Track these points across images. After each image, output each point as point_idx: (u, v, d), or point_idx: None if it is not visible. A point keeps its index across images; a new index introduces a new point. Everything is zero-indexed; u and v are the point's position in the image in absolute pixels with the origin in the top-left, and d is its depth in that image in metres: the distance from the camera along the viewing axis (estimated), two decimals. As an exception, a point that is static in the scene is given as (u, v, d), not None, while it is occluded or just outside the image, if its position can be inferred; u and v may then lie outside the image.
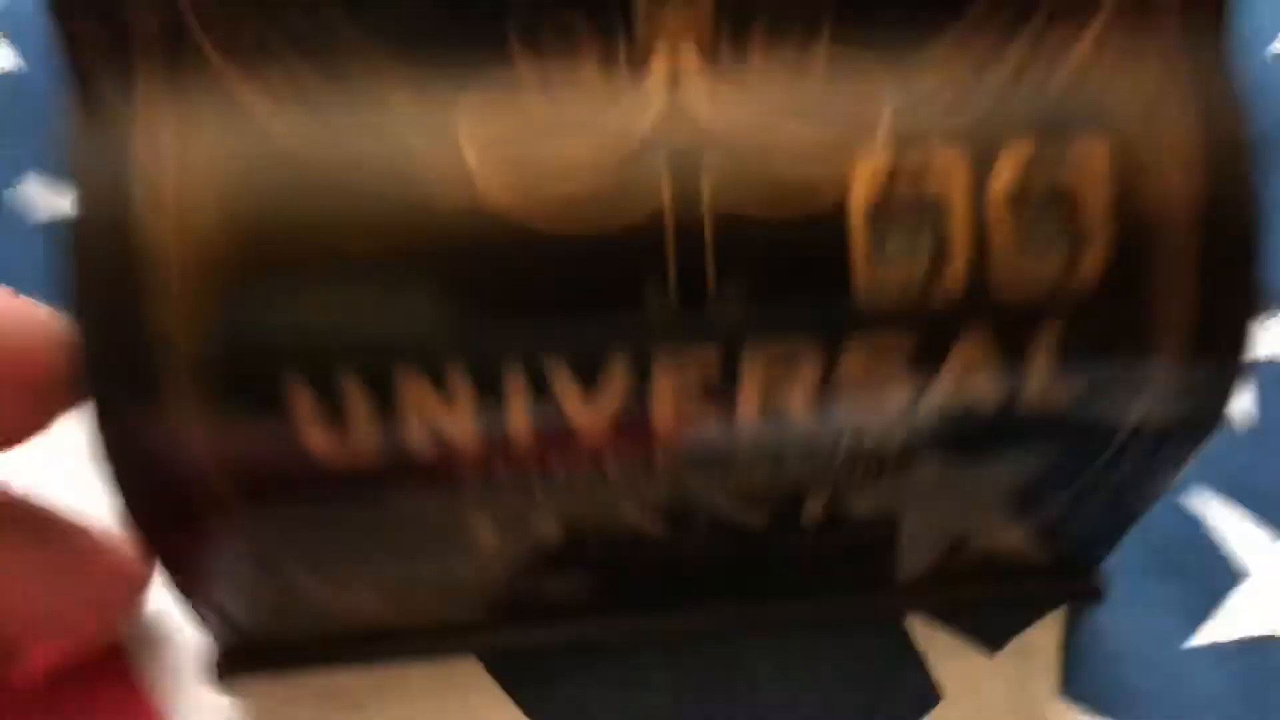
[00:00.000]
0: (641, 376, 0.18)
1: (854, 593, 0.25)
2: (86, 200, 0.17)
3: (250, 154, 0.17)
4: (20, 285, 0.24)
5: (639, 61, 0.17)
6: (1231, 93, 0.18)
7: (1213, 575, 0.26)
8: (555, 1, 0.17)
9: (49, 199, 0.30)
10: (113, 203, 0.17)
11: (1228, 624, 0.25)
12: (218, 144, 0.17)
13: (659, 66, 0.17)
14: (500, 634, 0.24)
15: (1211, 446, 0.27)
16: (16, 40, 0.32)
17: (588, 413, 0.18)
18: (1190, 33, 0.18)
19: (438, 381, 0.18)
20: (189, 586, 0.21)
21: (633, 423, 0.18)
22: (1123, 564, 0.26)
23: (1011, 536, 0.23)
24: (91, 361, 0.17)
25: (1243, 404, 0.28)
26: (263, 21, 0.17)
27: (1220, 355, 0.19)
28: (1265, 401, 0.28)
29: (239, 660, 0.24)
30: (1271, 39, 0.33)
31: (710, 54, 0.17)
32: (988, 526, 0.23)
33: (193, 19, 0.17)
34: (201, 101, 0.17)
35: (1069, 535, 0.23)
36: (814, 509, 0.21)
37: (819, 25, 0.18)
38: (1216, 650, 0.25)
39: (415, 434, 0.18)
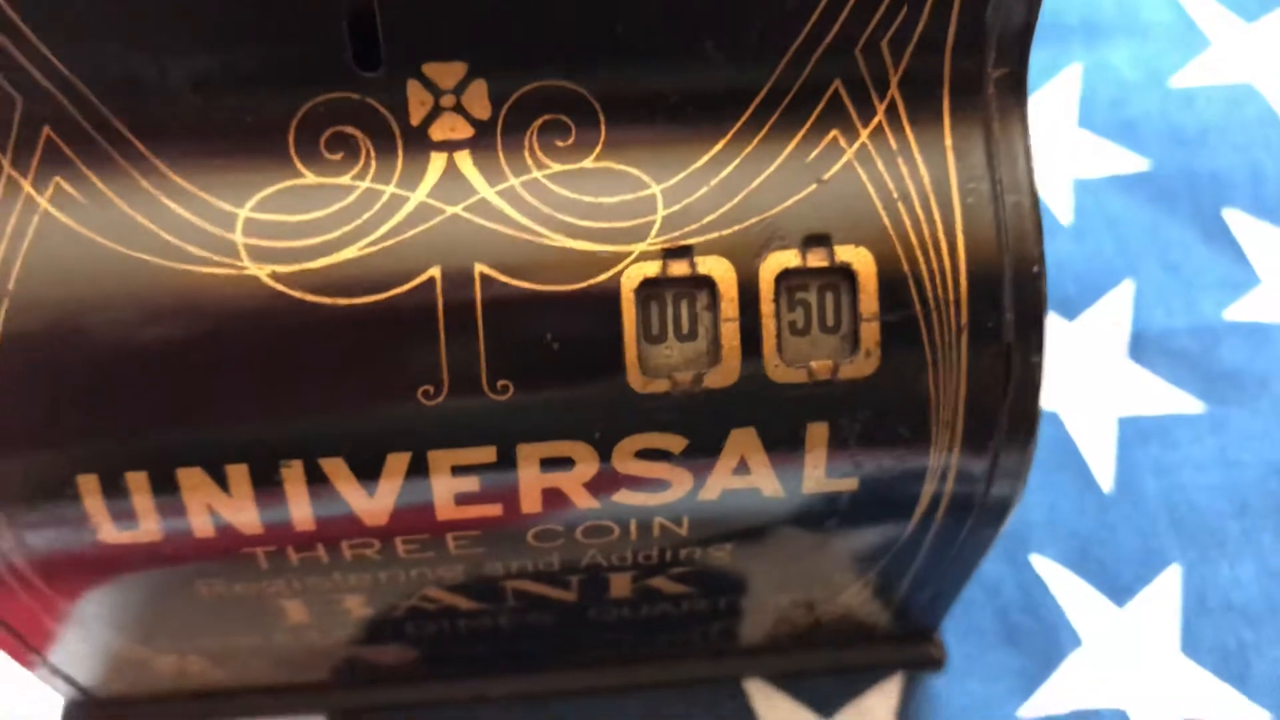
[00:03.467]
0: (419, 470, 0.18)
1: (691, 657, 0.25)
2: None
3: (31, 246, 0.17)
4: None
5: (415, 161, 0.18)
6: (1004, 200, 0.18)
7: (1050, 643, 0.26)
8: (329, 112, 0.18)
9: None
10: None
11: (1059, 693, 0.26)
12: (4, 240, 0.17)
13: (436, 161, 0.18)
14: (342, 695, 0.25)
15: (1060, 513, 0.28)
16: None
17: (367, 505, 0.19)
18: (962, 130, 0.18)
19: (216, 475, 0.18)
20: (20, 657, 0.22)
21: (414, 513, 0.19)
22: (965, 628, 0.26)
23: (843, 606, 0.24)
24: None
25: (1100, 466, 0.28)
26: (45, 131, 0.17)
27: (994, 449, 0.19)
28: (1120, 467, 0.28)
29: (87, 714, 0.25)
30: (1173, 72, 0.33)
31: (485, 154, 0.18)
32: (814, 596, 0.24)
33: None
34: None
35: (898, 603, 0.24)
36: (620, 585, 0.22)
37: (595, 128, 0.18)
38: None
39: (198, 523, 0.18)
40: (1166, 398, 0.29)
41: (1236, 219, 0.31)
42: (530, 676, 0.25)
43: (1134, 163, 0.32)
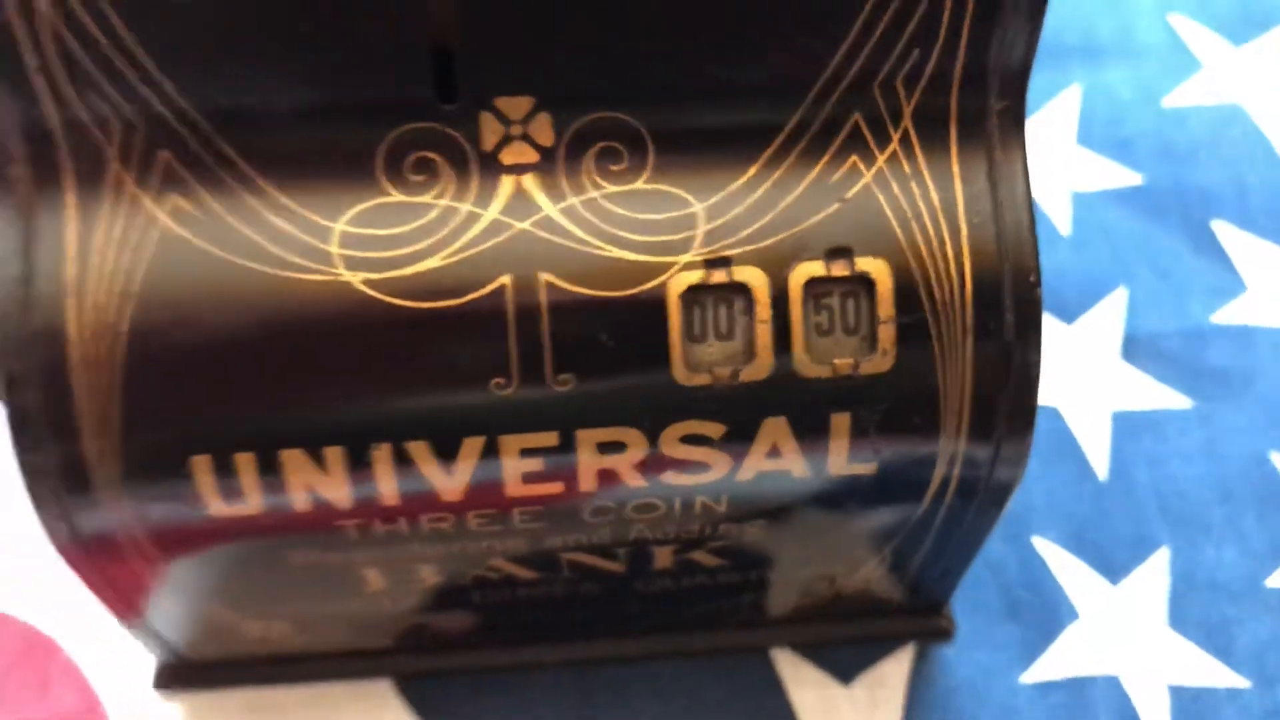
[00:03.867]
0: (491, 452, 0.21)
1: (723, 628, 0.28)
2: (1, 294, 0.20)
3: (154, 256, 0.20)
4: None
5: (487, 183, 0.20)
6: (1004, 217, 0.21)
7: (1049, 616, 0.29)
8: (413, 139, 0.20)
9: None
10: (29, 295, 0.20)
11: (1057, 662, 0.28)
12: (127, 249, 0.20)
13: (505, 183, 0.21)
14: (405, 660, 0.28)
15: (1059, 499, 0.30)
16: None
17: (446, 482, 0.21)
18: (968, 157, 0.21)
19: (315, 456, 0.21)
20: (125, 617, 0.25)
21: (486, 490, 0.21)
22: (971, 603, 0.29)
23: (861, 580, 0.26)
24: (22, 446, 0.20)
25: (1096, 456, 0.31)
26: (163, 155, 0.20)
27: (997, 437, 0.22)
28: (1114, 457, 0.30)
29: (176, 675, 0.27)
30: (1165, 93, 0.36)
31: (549, 177, 0.20)
32: (834, 571, 0.26)
33: (111, 150, 0.20)
34: (115, 216, 0.20)
35: (911, 578, 0.26)
36: (663, 557, 0.24)
37: (644, 154, 0.21)
38: (1047, 685, 0.28)
39: (298, 499, 0.21)
40: (1157, 395, 0.32)
41: (1223, 230, 0.34)
42: (578, 644, 0.28)
43: (1128, 177, 0.35)
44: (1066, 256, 0.33)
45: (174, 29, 0.19)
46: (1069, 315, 0.32)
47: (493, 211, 0.21)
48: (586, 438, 0.21)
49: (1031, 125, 0.35)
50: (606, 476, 0.22)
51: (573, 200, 0.21)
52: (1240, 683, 0.28)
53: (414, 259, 0.20)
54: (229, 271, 0.20)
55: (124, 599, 0.24)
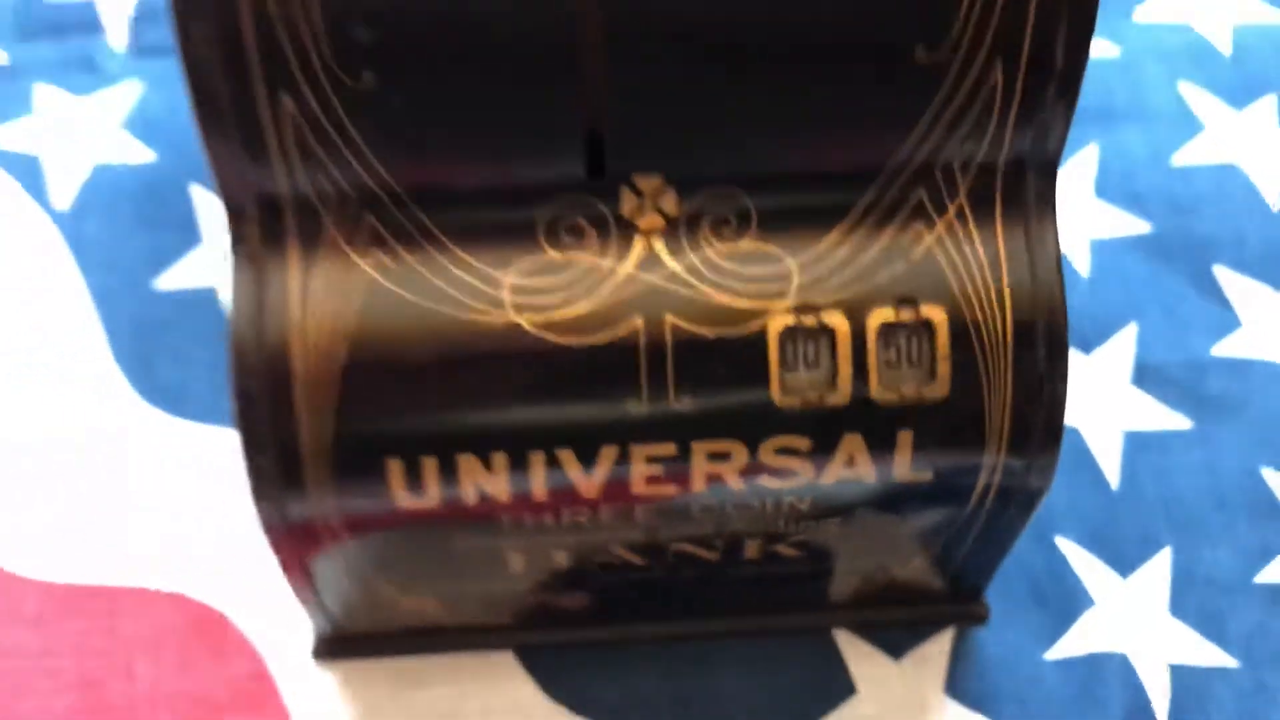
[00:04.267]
0: (623, 459, 0.26)
1: (794, 610, 0.33)
2: (239, 330, 0.25)
3: (363, 301, 0.25)
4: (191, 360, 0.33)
5: (624, 244, 0.26)
6: (1039, 274, 0.26)
7: (1069, 603, 0.34)
8: (567, 208, 0.25)
9: (195, 278, 0.38)
10: (260, 331, 0.25)
11: (1075, 642, 0.33)
12: (339, 295, 0.25)
13: (639, 244, 0.26)
14: (526, 634, 0.33)
15: (1078, 504, 0.35)
16: (148, 139, 0.41)
17: (586, 481, 0.26)
18: (1010, 225, 0.26)
19: (484, 461, 0.26)
20: (302, 592, 0.30)
21: (617, 489, 0.27)
22: (1003, 592, 0.34)
23: (912, 570, 0.31)
24: (250, 449, 0.25)
25: (1109, 468, 0.36)
26: (369, 219, 0.25)
27: (1031, 452, 0.27)
28: (1124, 470, 0.35)
29: (332, 646, 0.33)
30: (1173, 151, 0.41)
31: (673, 239, 0.26)
32: (890, 562, 0.31)
33: (328, 216, 0.25)
34: (330, 268, 0.25)
35: (954, 569, 0.31)
36: (752, 548, 0.29)
37: (748, 221, 0.26)
38: (1066, 661, 0.33)
39: (468, 495, 0.26)
40: (1163, 417, 0.36)
41: (1223, 274, 0.39)
42: (673, 622, 0.33)
43: (1140, 226, 0.40)
44: (1085, 296, 0.38)
45: (386, 123, 0.24)
46: (1087, 347, 0.37)
47: (628, 266, 0.26)
48: (700, 448, 0.26)
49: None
50: (714, 480, 0.27)
51: (692, 258, 0.26)
52: (1230, 663, 0.33)
53: (567, 304, 0.25)
54: (422, 314, 0.25)
55: (306, 576, 0.29)
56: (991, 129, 0.25)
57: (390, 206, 0.25)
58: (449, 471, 0.26)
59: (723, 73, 0.24)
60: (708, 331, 0.26)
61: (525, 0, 0.23)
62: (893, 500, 0.28)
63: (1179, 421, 0.36)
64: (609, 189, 0.25)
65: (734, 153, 0.25)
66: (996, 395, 0.26)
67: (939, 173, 0.25)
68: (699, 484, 0.27)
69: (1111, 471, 0.36)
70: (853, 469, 0.27)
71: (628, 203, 0.25)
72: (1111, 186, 0.40)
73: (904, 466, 0.27)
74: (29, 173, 0.40)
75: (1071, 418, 0.36)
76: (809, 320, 0.26)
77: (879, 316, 0.26)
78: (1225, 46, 0.43)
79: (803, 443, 0.26)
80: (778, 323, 0.26)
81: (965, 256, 0.26)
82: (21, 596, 0.34)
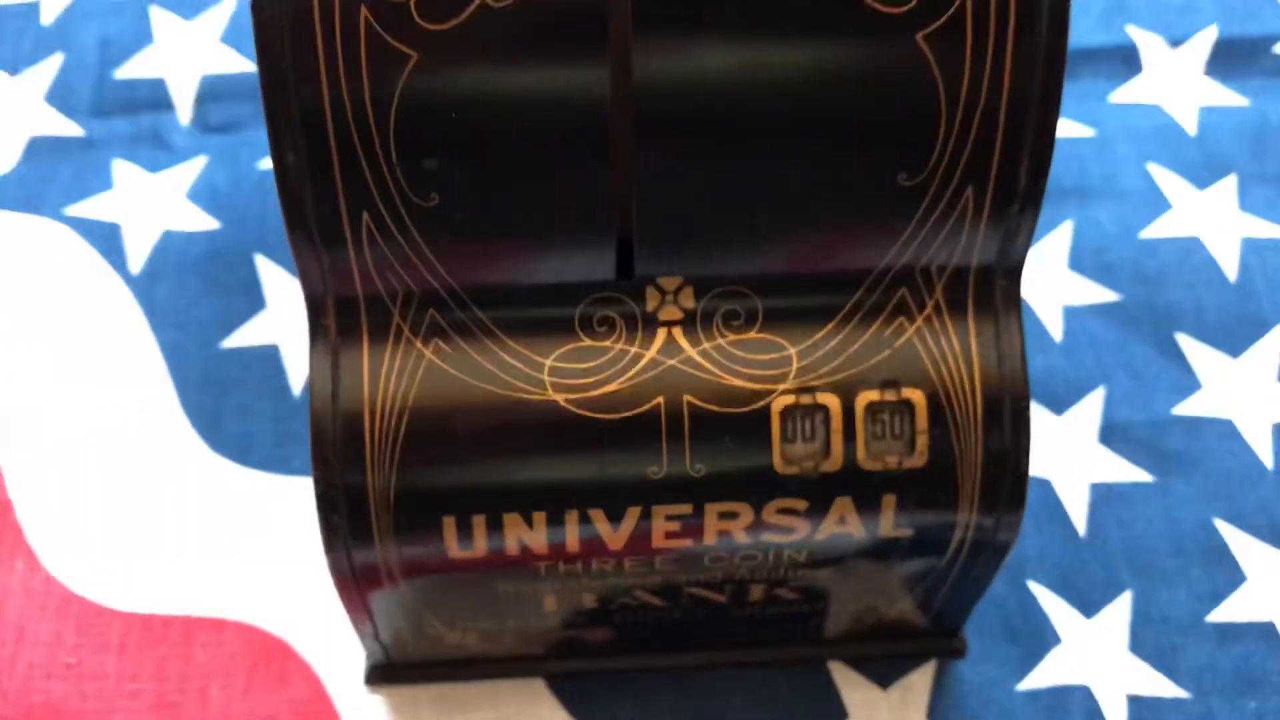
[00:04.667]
0: (645, 517, 0.30)
1: (794, 644, 0.37)
2: (318, 405, 0.29)
3: (423, 382, 0.29)
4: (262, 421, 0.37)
5: (649, 333, 0.30)
6: (1005, 360, 0.30)
7: (1039, 641, 0.38)
8: (600, 304, 0.29)
9: (259, 337, 0.42)
10: (336, 407, 0.29)
11: (1045, 675, 0.37)
12: (404, 376, 0.29)
13: (661, 334, 0.30)
14: (556, 664, 0.37)
15: (1048, 551, 0.39)
16: (211, 209, 0.45)
17: (613, 536, 0.30)
18: (980, 319, 0.30)
19: (526, 518, 0.30)
20: (360, 626, 0.34)
21: (639, 542, 0.31)
22: (980, 629, 0.38)
23: (898, 610, 0.35)
24: (324, 507, 0.30)
25: (1077, 518, 0.40)
26: (430, 313, 0.29)
27: (999, 511, 0.31)
28: (1090, 519, 0.40)
29: (382, 673, 0.37)
30: (1142, 227, 0.45)
31: (690, 330, 0.30)
32: (878, 604, 0.35)
33: (395, 310, 0.29)
34: (395, 353, 0.29)
35: (935, 610, 0.35)
36: (756, 592, 0.33)
37: (755, 315, 0.30)
38: (1035, 692, 0.37)
39: (511, 546, 0.30)
40: (1126, 471, 0.40)
41: (1185, 340, 0.43)
42: (684, 654, 0.37)
43: (1109, 296, 0.44)
44: (1058, 360, 0.42)
45: (448, 235, 0.28)
46: (1059, 408, 0.41)
47: (651, 352, 0.30)
48: (711, 509, 0.30)
49: (1035, 250, 0.44)
50: (723, 535, 0.31)
51: (706, 345, 0.30)
52: (1183, 694, 0.37)
53: (599, 385, 0.30)
54: (473, 392, 0.29)
55: (365, 613, 0.33)
56: (964, 240, 0.29)
57: (449, 303, 0.29)
58: (495, 527, 0.30)
59: (734, 194, 0.28)
60: (719, 409, 0.30)
61: (564, 139, 0.27)
62: (879, 552, 0.32)
63: (1141, 475, 0.40)
64: (636, 288, 0.29)
65: (743, 258, 0.29)
66: (968, 464, 0.30)
67: (919, 276, 0.29)
68: (710, 538, 0.31)
69: (1079, 521, 0.40)
70: (844, 526, 0.31)
71: (651, 299, 0.30)
72: (1085, 259, 0.44)
73: (888, 524, 0.31)
74: (107, 240, 0.44)
75: (1043, 471, 0.40)
76: (806, 400, 0.30)
77: (866, 397, 0.30)
78: (1191, 127, 0.47)
79: (800, 504, 0.30)
80: (779, 402, 0.30)
81: (941, 346, 0.30)
82: (107, 626, 0.38)
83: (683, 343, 0.30)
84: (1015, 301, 0.30)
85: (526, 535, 0.30)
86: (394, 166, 0.27)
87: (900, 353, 0.30)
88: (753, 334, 0.30)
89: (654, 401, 0.30)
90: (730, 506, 0.30)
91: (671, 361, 0.30)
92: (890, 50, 0.27)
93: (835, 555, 0.32)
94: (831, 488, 0.30)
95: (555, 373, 0.30)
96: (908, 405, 0.30)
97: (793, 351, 0.30)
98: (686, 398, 0.30)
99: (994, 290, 0.30)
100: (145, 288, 0.43)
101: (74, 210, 0.45)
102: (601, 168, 0.28)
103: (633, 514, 0.30)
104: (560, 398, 0.30)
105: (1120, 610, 0.38)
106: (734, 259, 0.29)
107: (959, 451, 0.30)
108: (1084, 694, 0.37)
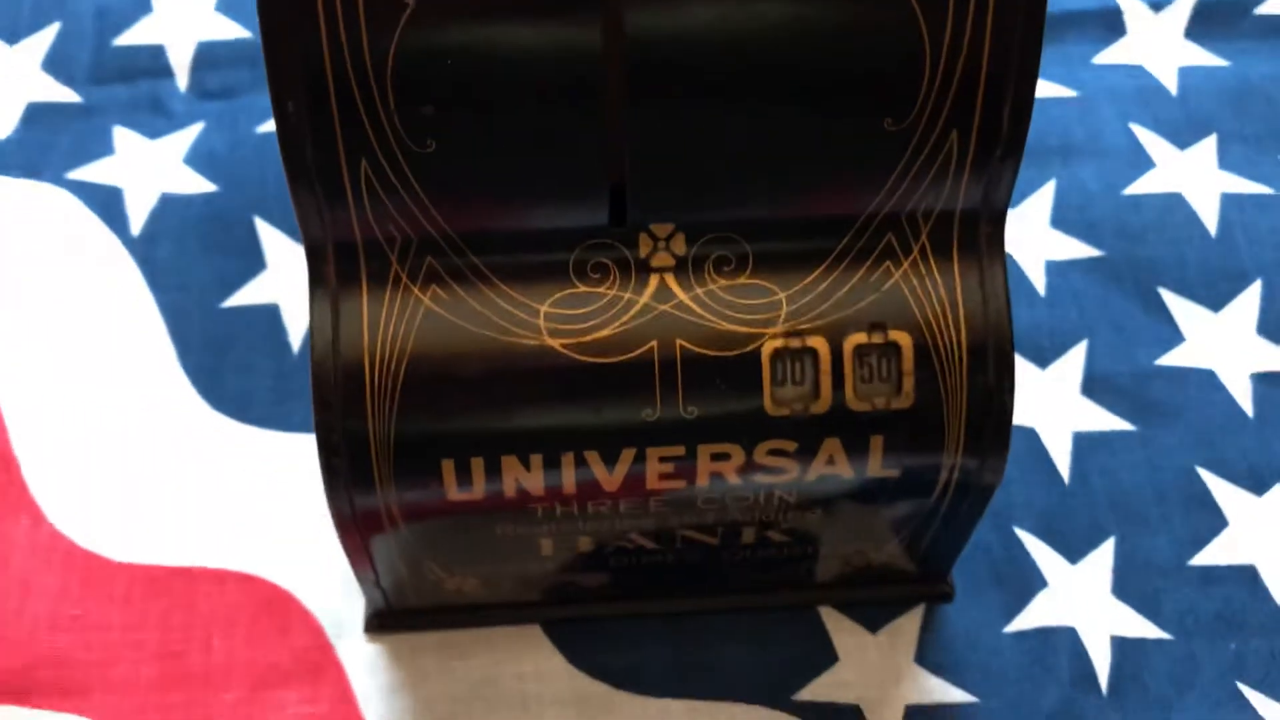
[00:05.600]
0: (640, 459, 0.31)
1: (785, 589, 0.38)
2: (318, 352, 0.30)
3: (421, 328, 0.30)
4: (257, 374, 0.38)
5: (642, 279, 0.30)
6: (990, 304, 0.31)
7: (1025, 585, 0.39)
8: (594, 250, 0.30)
9: (258, 297, 0.43)
10: (336, 352, 0.30)
11: (1030, 618, 0.38)
12: (402, 322, 0.30)
13: (653, 280, 0.31)
14: (554, 610, 0.38)
15: (1034, 498, 0.40)
16: (210, 173, 0.46)
17: (608, 478, 0.31)
18: (965, 264, 0.31)
19: (523, 461, 0.31)
20: (361, 572, 0.35)
21: (634, 484, 0.31)
22: (967, 574, 0.39)
23: (886, 554, 0.36)
24: (325, 451, 0.30)
25: (1062, 466, 0.40)
26: (428, 260, 0.30)
27: (984, 452, 0.32)
28: (1074, 468, 0.40)
29: (382, 621, 0.37)
30: (1125, 185, 0.46)
31: (682, 275, 0.30)
32: (867, 547, 0.36)
33: (394, 257, 0.30)
34: (394, 299, 0.30)
35: (922, 553, 0.36)
36: (748, 535, 0.34)
37: (745, 260, 0.30)
38: (1022, 634, 0.38)
39: (508, 489, 0.31)
40: (1109, 421, 0.41)
41: (1167, 295, 0.44)
42: (678, 598, 0.38)
43: (1093, 251, 0.44)
44: (1043, 313, 0.43)
45: (445, 182, 0.29)
46: (1044, 361, 0.42)
47: (644, 298, 0.30)
48: (704, 450, 0.31)
49: (1019, 210, 0.45)
50: (716, 476, 0.32)
51: (697, 290, 0.31)
52: (1165, 635, 0.38)
53: (593, 330, 0.30)
54: (470, 337, 0.30)
55: (366, 558, 0.34)
56: (948, 185, 0.30)
57: (446, 250, 0.30)
58: (493, 470, 0.31)
59: (724, 142, 0.29)
60: (711, 352, 0.30)
61: (558, 89, 0.28)
62: (867, 493, 0.33)
63: (1123, 425, 0.41)
64: (629, 235, 0.30)
65: (733, 205, 0.30)
66: (954, 405, 0.31)
67: (905, 220, 0.30)
68: (703, 480, 0.32)
69: (1063, 469, 0.40)
70: (833, 467, 0.32)
71: (644, 246, 0.30)
72: (1069, 217, 0.45)
73: (876, 465, 0.32)
74: (108, 204, 0.45)
75: (1028, 420, 0.41)
76: (795, 343, 0.30)
77: (854, 340, 0.31)
78: (1173, 88, 0.48)
79: (790, 445, 0.31)
80: (769, 345, 0.31)
81: (927, 290, 0.31)
82: (111, 577, 0.39)
83: (675, 288, 0.31)
84: (999, 246, 0.31)
85: (524, 478, 0.31)
86: (392, 114, 0.28)
87: (887, 296, 0.31)
88: (743, 279, 0.31)
89: (647, 345, 0.30)
90: (722, 448, 0.31)
91: (664, 306, 0.31)
92: (877, 1, 0.28)
93: (825, 496, 0.33)
94: (820, 429, 0.31)
95: (550, 318, 0.30)
96: (894, 348, 0.31)
97: (782, 296, 0.31)
98: (679, 342, 0.30)
99: (978, 235, 0.31)
100: (145, 250, 0.44)
101: (75, 175, 0.45)
102: (594, 117, 0.28)
103: (627, 456, 0.31)
104: (556, 343, 0.30)
105: (1104, 555, 0.39)
106: (724, 205, 0.30)
107: (945, 393, 0.31)
108: (1069, 635, 0.38)
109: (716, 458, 0.31)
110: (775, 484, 0.32)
